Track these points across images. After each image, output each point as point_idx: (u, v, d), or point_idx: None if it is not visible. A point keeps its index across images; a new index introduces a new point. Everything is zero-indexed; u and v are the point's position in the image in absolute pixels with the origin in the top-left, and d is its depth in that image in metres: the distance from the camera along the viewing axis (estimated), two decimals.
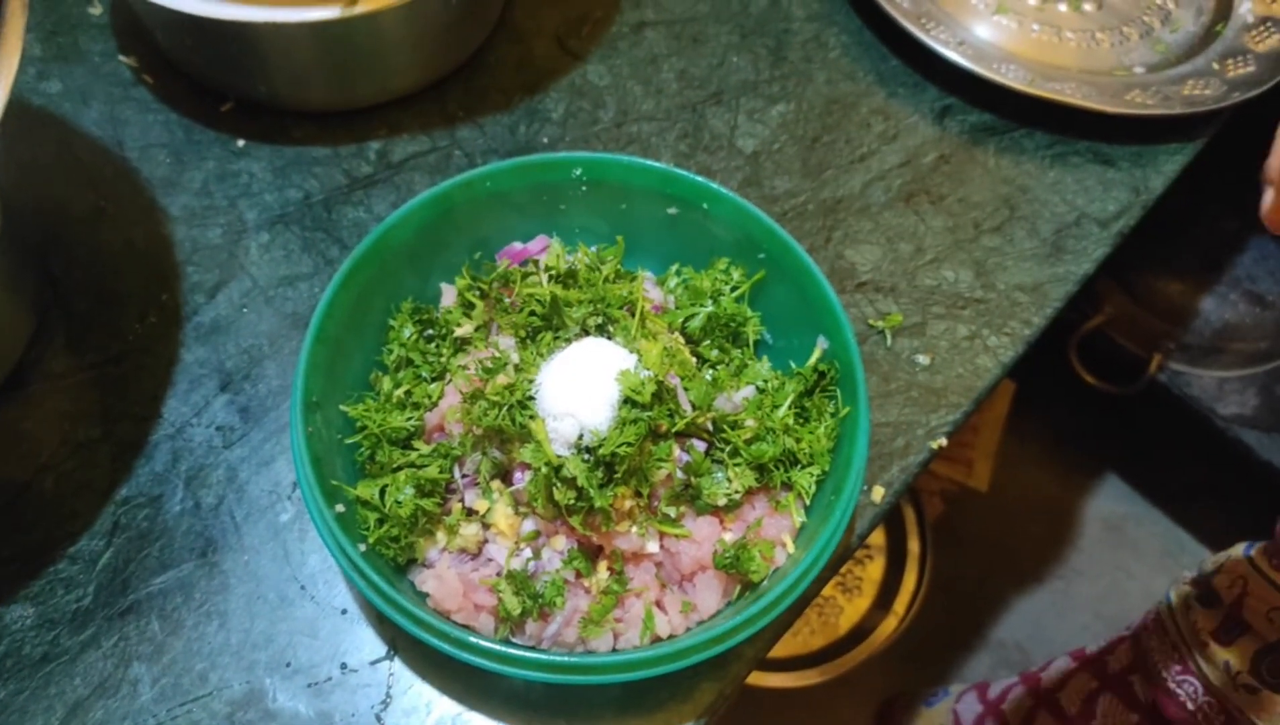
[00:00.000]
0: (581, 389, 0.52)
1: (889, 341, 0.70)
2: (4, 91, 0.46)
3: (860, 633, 1.43)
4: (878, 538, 1.53)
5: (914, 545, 1.48)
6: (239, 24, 0.67)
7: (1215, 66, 0.84)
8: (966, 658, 1.57)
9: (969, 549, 1.63)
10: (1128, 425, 1.69)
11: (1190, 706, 0.85)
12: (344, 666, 0.56)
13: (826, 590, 1.49)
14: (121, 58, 0.79)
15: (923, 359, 0.69)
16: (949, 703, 1.30)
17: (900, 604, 1.44)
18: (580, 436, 0.52)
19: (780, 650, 1.44)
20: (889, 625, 1.42)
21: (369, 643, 0.57)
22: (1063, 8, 0.89)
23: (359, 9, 0.66)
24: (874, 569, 1.50)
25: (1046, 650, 1.56)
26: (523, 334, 0.57)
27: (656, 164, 0.63)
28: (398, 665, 0.56)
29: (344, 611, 0.57)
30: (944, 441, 0.66)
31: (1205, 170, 0.89)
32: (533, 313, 0.57)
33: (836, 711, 1.48)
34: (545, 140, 0.78)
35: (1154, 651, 0.91)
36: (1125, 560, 1.68)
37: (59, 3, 0.81)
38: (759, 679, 1.39)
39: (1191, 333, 1.52)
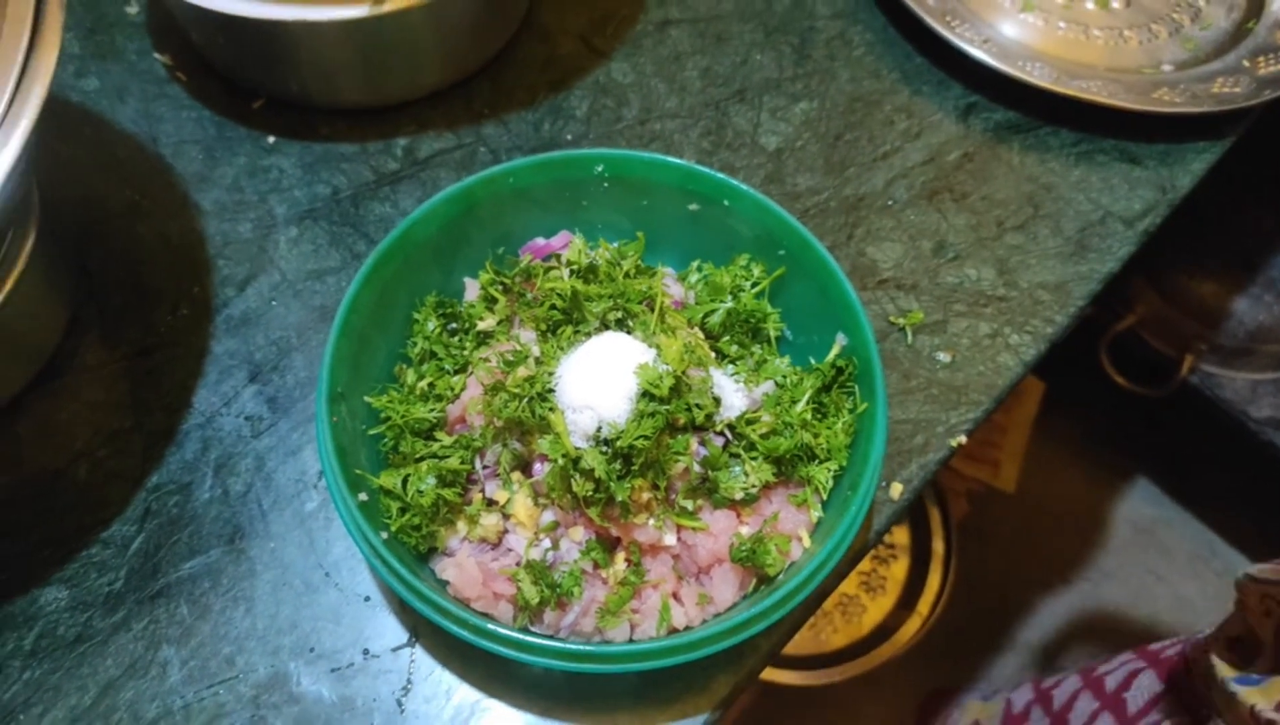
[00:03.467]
0: (600, 382, 0.53)
1: (910, 339, 0.70)
2: (43, 87, 0.47)
3: (884, 632, 1.43)
4: (902, 537, 1.52)
5: (939, 545, 1.47)
6: (270, 22, 0.68)
7: (1246, 64, 0.83)
8: (991, 659, 1.56)
9: (994, 550, 1.62)
10: (1158, 427, 1.67)
11: None
12: (366, 652, 0.57)
13: (850, 589, 1.49)
14: (156, 55, 0.81)
15: (943, 356, 0.69)
16: (1004, 695, 1.26)
17: (924, 604, 1.43)
18: (599, 429, 0.53)
19: (804, 648, 1.44)
20: (913, 625, 1.42)
21: (391, 630, 0.58)
22: (1090, 5, 0.88)
23: (387, 7, 0.68)
24: (898, 569, 1.50)
25: (1072, 655, 1.55)
26: (544, 327, 0.58)
27: (678, 161, 0.64)
28: (419, 652, 0.57)
29: (367, 599, 0.59)
30: (964, 439, 0.66)
31: (1240, 168, 0.88)
32: (553, 307, 0.58)
33: (859, 710, 1.48)
34: (569, 137, 0.78)
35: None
36: (1154, 563, 1.67)
37: (97, 2, 0.83)
38: (782, 676, 1.39)
39: (1224, 334, 1.49)
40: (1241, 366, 1.51)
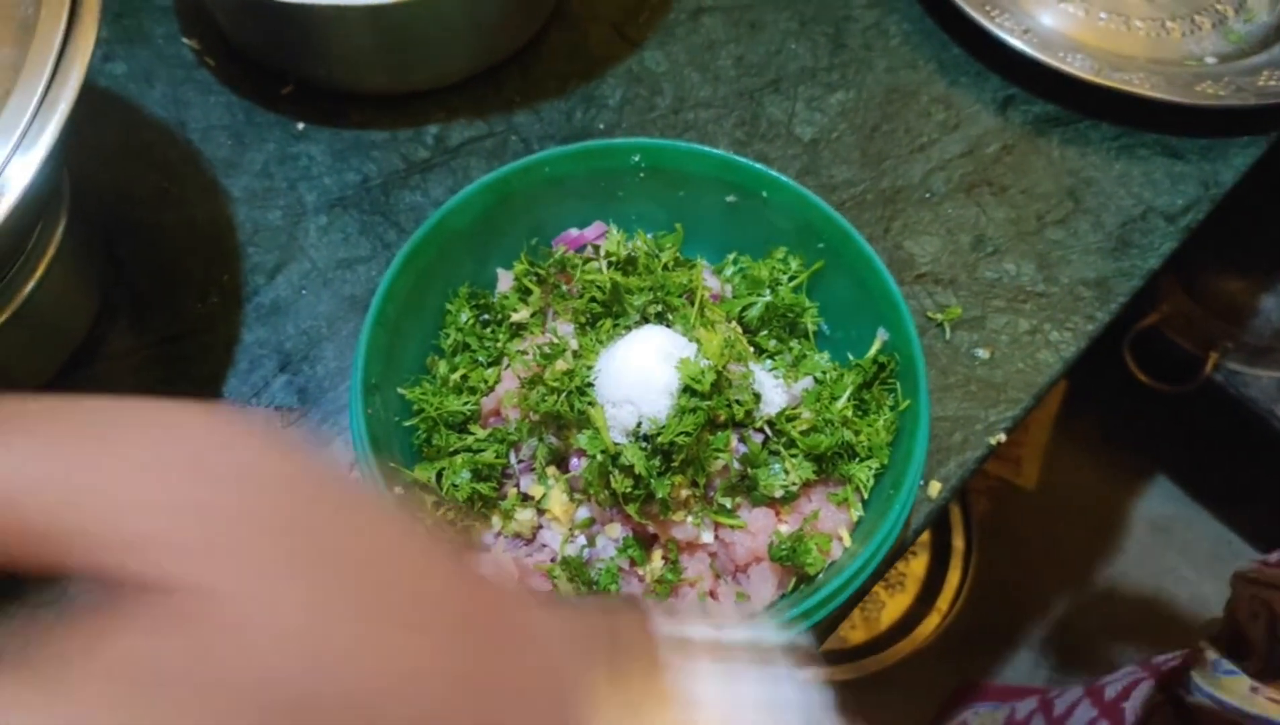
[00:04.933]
0: (641, 376, 0.52)
1: (948, 334, 0.69)
2: (81, 70, 0.46)
3: (902, 629, 1.42)
4: (922, 534, 1.51)
5: (958, 542, 1.46)
6: (300, 6, 0.67)
7: None
8: (1009, 657, 1.55)
9: (1014, 547, 1.61)
10: (1180, 425, 1.65)
11: None
12: None
13: None
14: (184, 40, 0.80)
15: (982, 353, 0.68)
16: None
17: (943, 601, 1.43)
18: (638, 424, 0.52)
19: (822, 645, 1.43)
20: (931, 622, 1.41)
21: None
22: None
23: None
24: (917, 565, 1.49)
25: (1090, 654, 1.54)
26: (582, 320, 0.57)
27: (716, 151, 0.63)
28: None
29: None
30: (1003, 437, 0.65)
31: (1270, 164, 0.87)
32: (593, 299, 0.57)
33: (876, 707, 1.47)
34: (601, 126, 0.77)
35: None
36: (1173, 562, 1.65)
37: None
38: None
39: (1250, 332, 1.48)
40: (1268, 365, 1.49)
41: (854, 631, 1.44)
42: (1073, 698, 1.04)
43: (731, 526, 0.54)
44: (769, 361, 0.60)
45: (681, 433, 0.51)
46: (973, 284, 0.71)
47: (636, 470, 0.51)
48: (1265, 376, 1.50)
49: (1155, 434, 1.70)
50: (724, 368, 0.53)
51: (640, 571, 0.53)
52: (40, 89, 0.47)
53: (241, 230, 0.71)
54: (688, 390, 0.52)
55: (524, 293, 0.62)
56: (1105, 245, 0.73)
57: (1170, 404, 1.49)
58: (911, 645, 1.39)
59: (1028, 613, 1.58)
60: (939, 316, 0.69)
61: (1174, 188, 0.77)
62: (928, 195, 0.75)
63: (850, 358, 0.61)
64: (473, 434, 0.56)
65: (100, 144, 0.74)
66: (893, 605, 1.46)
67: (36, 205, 0.54)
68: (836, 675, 1.38)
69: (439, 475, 0.54)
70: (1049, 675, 1.53)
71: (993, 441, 0.65)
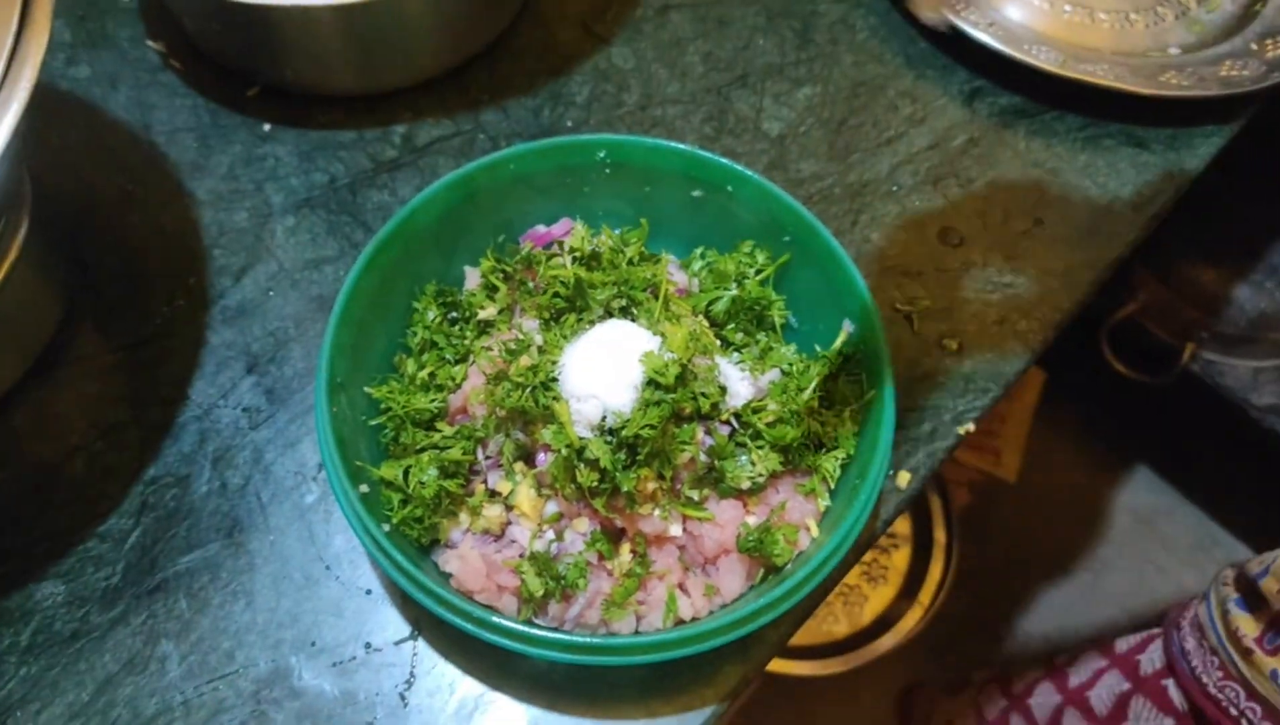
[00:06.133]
0: (605, 371, 0.52)
1: (916, 326, 0.69)
2: (33, 71, 0.46)
3: (885, 622, 1.42)
4: (903, 527, 1.52)
5: (940, 535, 1.47)
6: (264, 8, 0.67)
7: (1254, 46, 0.82)
8: (991, 649, 1.55)
9: (995, 540, 1.61)
10: (1159, 416, 1.66)
11: (1234, 712, 0.82)
12: (368, 646, 0.56)
13: (851, 579, 1.48)
14: (149, 43, 0.80)
15: (950, 344, 0.68)
16: (971, 694, 1.28)
17: (925, 594, 1.43)
18: (603, 418, 0.52)
19: (804, 638, 1.43)
20: (914, 615, 1.41)
21: (393, 623, 0.57)
22: None
23: None
24: (899, 558, 1.49)
25: (1072, 644, 1.55)
26: (546, 316, 0.57)
27: (681, 146, 0.63)
28: (421, 645, 0.56)
29: (368, 592, 0.58)
30: (972, 427, 0.65)
31: (1242, 154, 0.87)
32: (556, 294, 0.57)
33: (860, 700, 1.48)
34: (569, 124, 0.77)
35: (1190, 654, 0.87)
36: (1155, 553, 1.66)
37: None
38: (783, 666, 1.39)
39: (1226, 322, 1.49)
40: (1243, 354, 1.50)
41: (837, 625, 1.44)
42: (1049, 698, 1.06)
43: (699, 519, 0.54)
44: (736, 354, 0.60)
45: (646, 426, 0.51)
46: (940, 276, 0.71)
47: (602, 464, 0.51)
48: (1241, 366, 1.51)
49: (1134, 424, 1.71)
50: (689, 361, 0.53)
51: (609, 565, 0.53)
52: None
53: (207, 232, 0.70)
54: (652, 383, 0.52)
55: (491, 290, 0.62)
56: (1072, 235, 0.74)
57: (1149, 394, 1.50)
58: (895, 638, 1.39)
59: (1011, 604, 1.59)
60: (907, 308, 0.70)
61: (1139, 177, 0.77)
62: (895, 188, 0.75)
63: (817, 350, 0.61)
64: (440, 432, 0.56)
65: (63, 147, 0.73)
66: (875, 598, 1.46)
67: None
68: (820, 669, 1.38)
69: (406, 473, 0.54)
70: (1031, 667, 1.54)
71: (961, 431, 0.65)
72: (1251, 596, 0.82)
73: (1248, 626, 0.80)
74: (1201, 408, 1.49)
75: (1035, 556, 1.64)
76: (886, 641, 1.38)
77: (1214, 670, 0.83)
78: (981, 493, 1.64)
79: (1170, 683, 0.90)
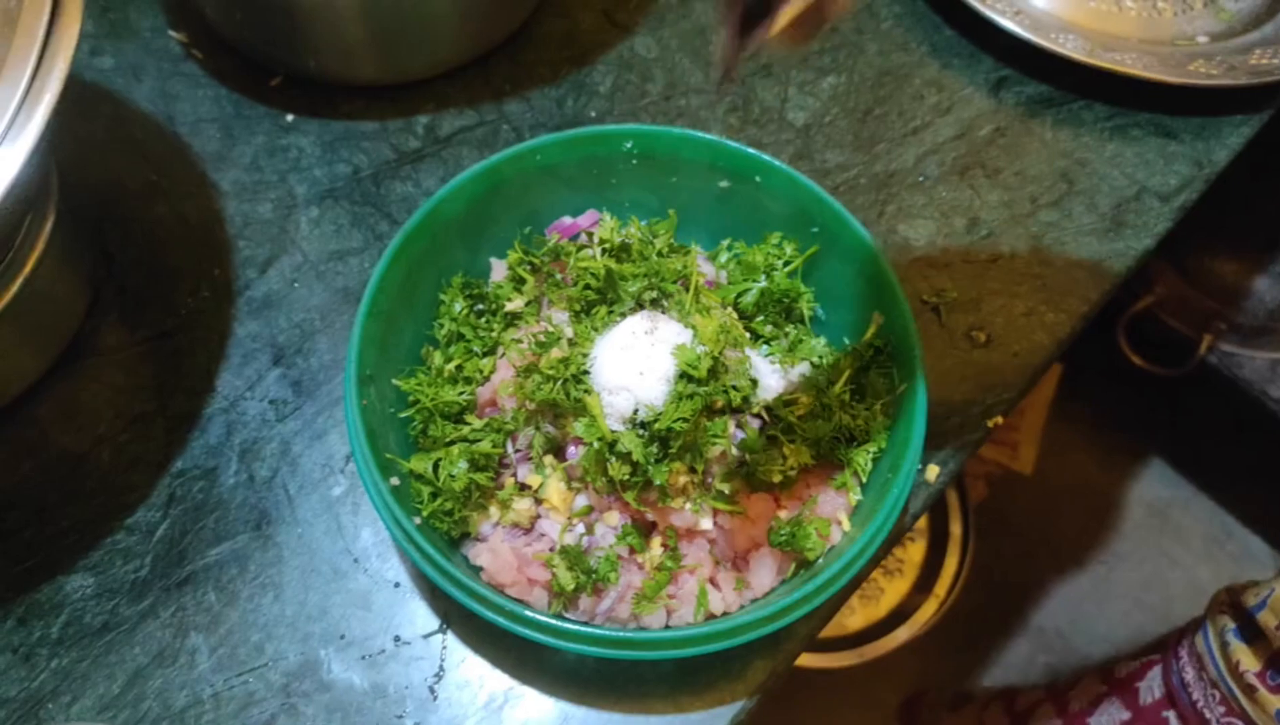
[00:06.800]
0: (637, 364, 0.52)
1: (943, 318, 0.69)
2: (65, 63, 0.46)
3: (900, 615, 1.42)
4: (920, 520, 1.51)
5: (956, 528, 1.46)
6: None
7: None
8: (1006, 643, 1.55)
9: (1011, 533, 1.61)
10: (1175, 408, 1.66)
11: None
12: (397, 639, 0.56)
13: None
14: (172, 33, 0.79)
15: (978, 336, 0.68)
16: (974, 710, 1.28)
17: (941, 587, 1.42)
18: (635, 411, 0.51)
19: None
20: (929, 608, 1.41)
21: (422, 616, 0.57)
22: None
23: None
24: (915, 551, 1.49)
25: (1086, 638, 1.55)
26: (577, 308, 0.57)
27: (709, 136, 0.62)
28: (451, 638, 0.56)
29: (397, 584, 0.58)
30: (1000, 420, 0.65)
31: (1260, 144, 0.86)
32: (587, 286, 0.57)
33: (874, 693, 1.47)
34: (593, 114, 0.77)
35: (1190, 687, 0.86)
36: (1169, 546, 1.66)
37: None
38: (799, 659, 1.38)
39: (1244, 313, 1.48)
40: (1261, 345, 1.49)
41: (853, 617, 1.44)
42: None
43: (730, 512, 0.53)
44: (765, 347, 0.60)
45: (679, 419, 0.50)
46: (967, 267, 0.71)
47: (634, 457, 0.51)
48: (1259, 357, 1.50)
49: (1151, 417, 1.70)
50: (720, 353, 0.53)
51: (639, 559, 0.53)
52: (25, 81, 0.46)
53: (232, 223, 0.70)
54: (684, 376, 0.52)
55: (518, 282, 0.62)
56: (1099, 226, 0.73)
57: (1165, 387, 1.49)
58: (910, 631, 1.39)
59: (1025, 597, 1.58)
60: (934, 300, 0.69)
61: (1167, 167, 0.76)
62: (921, 179, 0.75)
63: (846, 342, 0.61)
64: (469, 424, 0.56)
65: (88, 138, 0.73)
66: (891, 591, 1.46)
67: (24, 199, 0.53)
68: (835, 661, 1.38)
69: (436, 466, 0.54)
70: (1048, 659, 1.54)
71: (990, 424, 0.65)
72: (1249, 628, 0.80)
73: (1248, 660, 0.79)
74: (1219, 400, 1.48)
75: (1050, 549, 1.63)
76: (901, 634, 1.38)
77: (1216, 705, 0.82)
78: (997, 486, 1.63)
79: (1171, 714, 0.89)
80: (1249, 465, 1.64)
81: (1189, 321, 1.48)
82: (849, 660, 1.37)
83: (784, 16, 0.39)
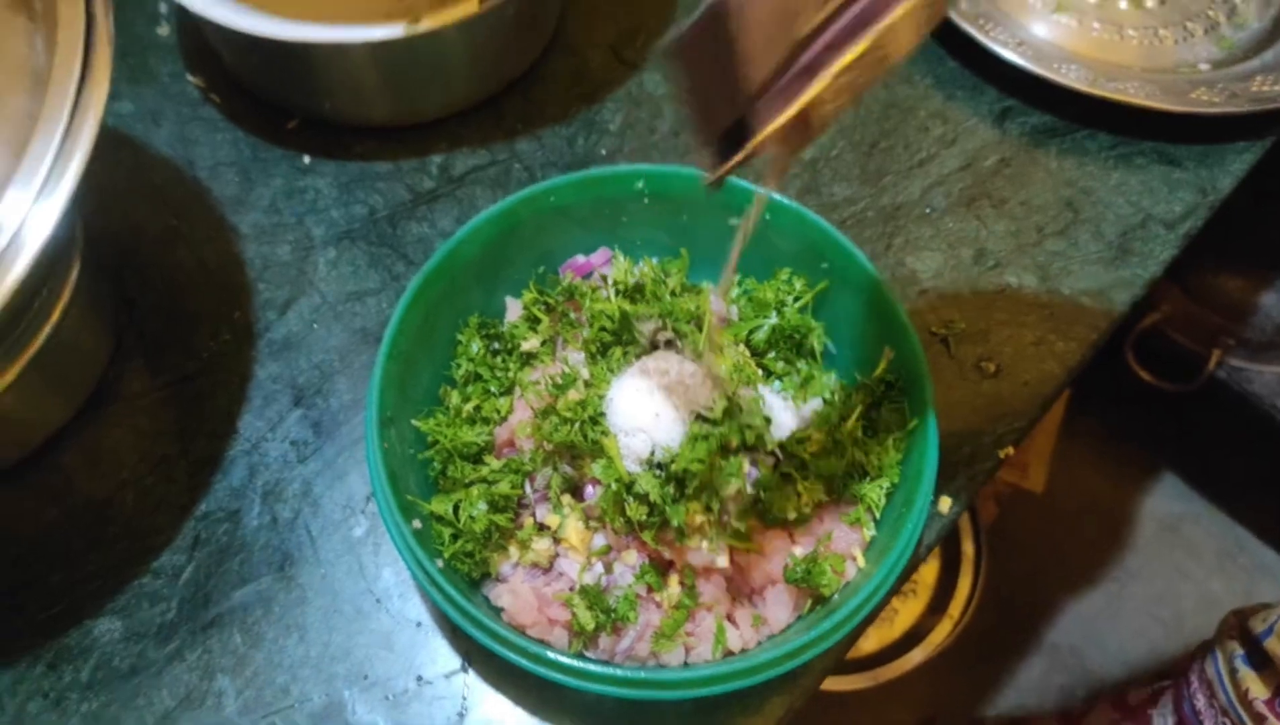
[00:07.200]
0: (652, 406, 0.53)
1: (952, 349, 0.69)
2: (94, 124, 0.47)
3: (915, 636, 1.42)
4: (934, 548, 1.51)
5: (968, 548, 1.46)
6: (303, 44, 0.68)
7: None
8: (1020, 662, 1.55)
9: (1023, 551, 1.61)
10: (1184, 423, 1.66)
11: None
12: (420, 679, 0.57)
13: None
14: (189, 77, 0.81)
15: (988, 366, 0.69)
16: None
17: (955, 607, 1.42)
18: (652, 452, 0.52)
19: None
20: (944, 629, 1.41)
21: (443, 655, 0.57)
22: (1124, 5, 0.88)
23: (422, 27, 0.67)
24: (928, 572, 1.49)
25: (1101, 655, 1.54)
26: (593, 349, 0.58)
27: None
28: (472, 678, 0.57)
29: (418, 624, 0.58)
30: (1012, 450, 0.65)
31: (1266, 161, 0.87)
32: (603, 328, 0.57)
33: (888, 715, 1.47)
34: (603, 151, 0.78)
35: (1202, 715, 0.86)
36: (1181, 561, 1.65)
37: (128, 24, 0.83)
38: None
39: (1252, 328, 1.48)
40: (1270, 360, 1.49)
41: (866, 640, 1.44)
42: None
43: (746, 550, 0.54)
44: (777, 383, 0.61)
45: (695, 460, 0.51)
46: (976, 298, 0.72)
47: (651, 498, 0.51)
48: (1268, 372, 1.50)
49: (1160, 433, 1.70)
50: (734, 392, 0.54)
51: (658, 597, 0.54)
52: (57, 139, 0.47)
53: (251, 266, 0.71)
54: (699, 417, 0.52)
55: (533, 321, 0.63)
56: (1106, 254, 0.74)
57: (1174, 402, 1.49)
58: (925, 652, 1.39)
59: (1039, 616, 1.58)
60: (943, 331, 0.70)
61: (1172, 195, 0.77)
62: (928, 210, 0.76)
63: (857, 376, 0.61)
64: (488, 465, 0.57)
65: (109, 183, 0.74)
66: (905, 612, 1.46)
67: (54, 253, 0.54)
68: (849, 684, 1.38)
69: (456, 508, 0.55)
70: (1062, 678, 1.53)
71: (1001, 454, 0.65)
72: (1257, 654, 0.80)
73: (1257, 688, 0.79)
74: (1228, 415, 1.48)
75: (1063, 567, 1.63)
76: (916, 656, 1.38)
77: None
78: (1009, 505, 1.63)
79: None
80: (1260, 478, 1.64)
81: (1197, 337, 1.49)
82: (863, 683, 1.37)
83: (767, 132, 0.39)
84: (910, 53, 0.37)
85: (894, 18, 0.34)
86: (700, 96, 0.37)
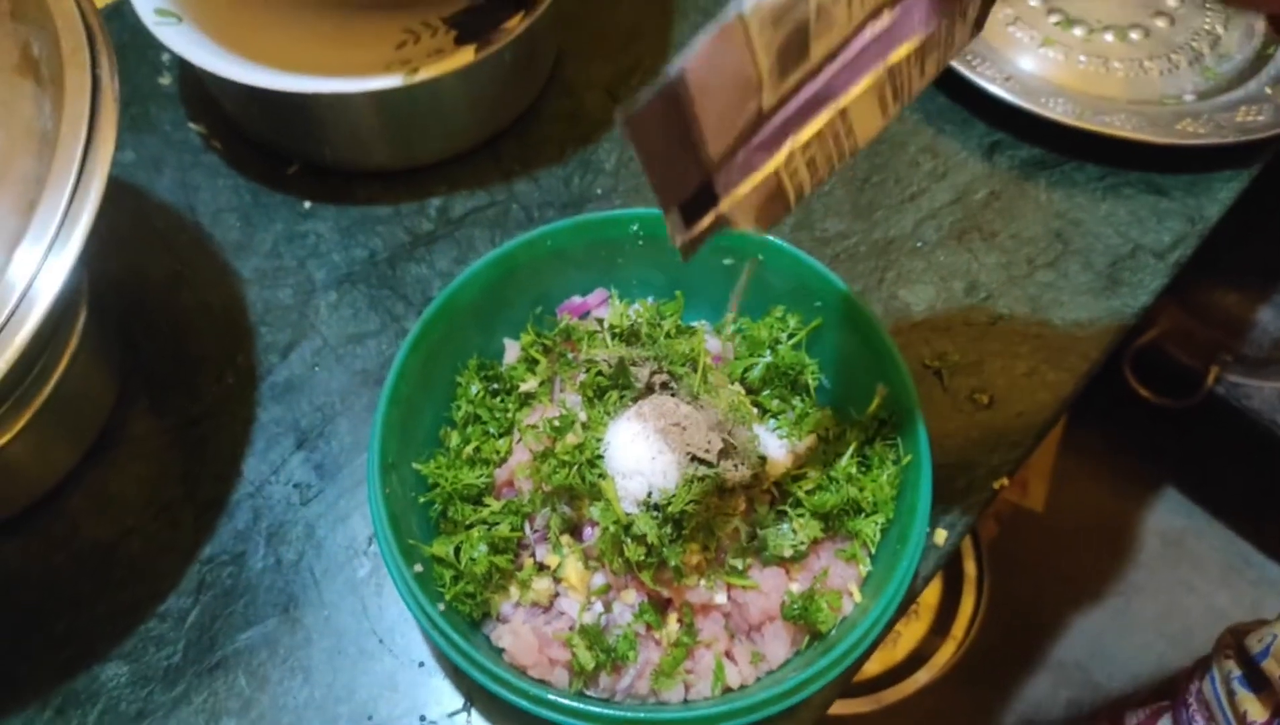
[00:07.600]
0: (649, 449, 0.54)
1: (945, 381, 0.70)
2: (100, 184, 0.48)
3: (918, 658, 1.42)
4: (931, 580, 1.52)
5: (970, 568, 1.47)
6: (303, 95, 0.69)
7: (1269, 91, 0.83)
8: (1026, 679, 1.55)
9: (1026, 570, 1.61)
10: (1185, 439, 1.66)
11: None
12: (423, 719, 0.57)
13: None
14: (191, 125, 0.82)
15: (981, 398, 0.70)
16: None
17: (958, 628, 1.43)
18: (649, 494, 0.53)
19: None
20: (947, 650, 1.41)
21: (446, 695, 0.58)
22: (1109, 38, 0.89)
23: (419, 77, 0.69)
24: (930, 594, 1.49)
25: (1107, 670, 1.54)
26: (590, 393, 0.59)
27: None
28: (475, 718, 0.57)
29: (421, 664, 0.59)
30: (1006, 481, 0.66)
31: (1262, 181, 0.88)
32: (600, 373, 0.59)
33: None
34: (599, 191, 0.79)
35: None
36: (1186, 575, 1.66)
37: (131, 74, 0.85)
38: None
39: (1249, 344, 1.49)
40: (1269, 376, 1.50)
41: (869, 663, 1.44)
42: None
43: (744, 587, 0.55)
44: (773, 421, 0.62)
45: (691, 501, 0.52)
46: (968, 330, 0.73)
47: (649, 540, 0.52)
48: (1266, 387, 1.50)
49: (1161, 449, 1.71)
50: (730, 432, 0.55)
51: (657, 635, 0.55)
52: (65, 200, 0.49)
53: (253, 310, 0.73)
54: (695, 458, 0.53)
55: (531, 363, 0.64)
56: (1096, 285, 0.75)
57: (1174, 418, 1.50)
58: (929, 674, 1.39)
59: (1044, 634, 1.58)
60: (936, 364, 0.71)
61: (1160, 225, 0.78)
62: (920, 244, 0.77)
63: (851, 412, 0.62)
64: (488, 506, 0.58)
65: (112, 231, 0.76)
66: (908, 634, 1.46)
67: (62, 307, 0.56)
68: (853, 708, 1.38)
69: (457, 550, 0.56)
70: (1069, 694, 1.53)
71: (996, 485, 0.66)
72: (1254, 675, 0.81)
73: (1254, 710, 0.79)
74: (1227, 430, 1.49)
75: (1066, 584, 1.63)
76: (920, 678, 1.38)
77: None
78: (1010, 524, 1.64)
79: None
80: (1263, 492, 1.64)
81: (1195, 353, 1.50)
82: (867, 706, 1.37)
83: (735, 198, 0.39)
84: (876, 134, 0.38)
85: (850, 97, 0.35)
86: (660, 165, 0.38)
